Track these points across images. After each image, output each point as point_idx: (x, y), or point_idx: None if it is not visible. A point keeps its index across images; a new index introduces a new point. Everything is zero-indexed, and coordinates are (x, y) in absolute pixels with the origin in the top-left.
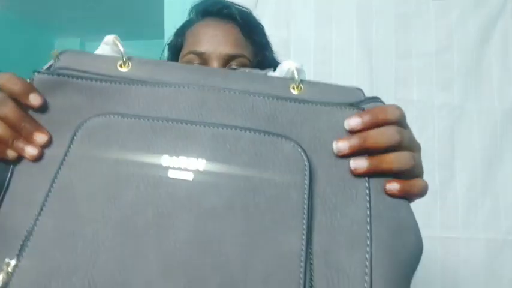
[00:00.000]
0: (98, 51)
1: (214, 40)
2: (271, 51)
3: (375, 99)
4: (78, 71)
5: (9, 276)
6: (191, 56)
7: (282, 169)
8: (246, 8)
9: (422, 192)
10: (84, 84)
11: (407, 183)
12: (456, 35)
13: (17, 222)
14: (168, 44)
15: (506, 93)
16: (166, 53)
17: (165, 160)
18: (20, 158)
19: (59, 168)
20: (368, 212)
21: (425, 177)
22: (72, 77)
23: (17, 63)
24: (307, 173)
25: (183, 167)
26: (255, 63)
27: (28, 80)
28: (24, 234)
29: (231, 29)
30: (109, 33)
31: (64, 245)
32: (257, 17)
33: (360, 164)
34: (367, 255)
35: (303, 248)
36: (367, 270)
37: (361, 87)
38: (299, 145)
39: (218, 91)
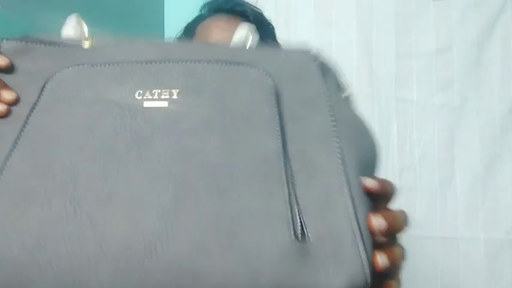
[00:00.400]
0: (65, 31)
1: (224, 33)
2: None
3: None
4: (46, 41)
5: None
6: None
7: (251, 90)
8: (257, 8)
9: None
10: (52, 49)
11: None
12: (456, 35)
13: None
14: (176, 39)
15: (506, 93)
16: None
17: (139, 94)
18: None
19: (29, 114)
20: (332, 117)
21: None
22: (40, 43)
23: None
24: (273, 91)
25: (157, 97)
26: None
27: None
28: None
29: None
30: (109, 32)
31: (40, 174)
32: (268, 18)
33: (379, 222)
34: (337, 150)
35: (281, 150)
36: (340, 161)
37: (361, 87)
38: (265, 71)
39: (181, 45)
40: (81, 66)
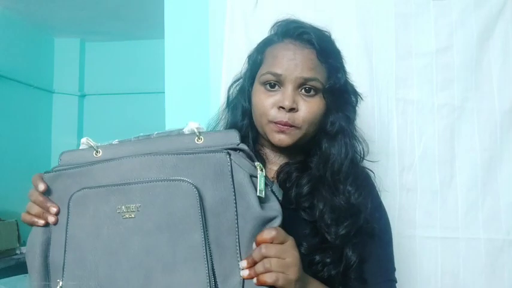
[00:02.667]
0: (82, 147)
1: (291, 63)
2: (344, 73)
3: (240, 145)
4: (69, 164)
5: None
6: (268, 75)
7: (182, 198)
8: (325, 30)
9: (270, 282)
10: (71, 172)
11: (261, 275)
12: (456, 35)
13: (57, 258)
14: (248, 57)
15: (506, 93)
16: (246, 64)
17: (118, 208)
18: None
19: (67, 225)
20: (235, 213)
21: (426, 177)
22: (64, 169)
23: (17, 63)
24: (198, 198)
25: (129, 210)
26: (328, 85)
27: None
28: (61, 265)
29: (308, 54)
30: (109, 32)
31: (80, 266)
32: (335, 42)
33: (244, 273)
34: (236, 238)
35: (203, 240)
36: (237, 246)
37: (361, 87)
38: (191, 183)
39: (143, 156)
40: (85, 190)
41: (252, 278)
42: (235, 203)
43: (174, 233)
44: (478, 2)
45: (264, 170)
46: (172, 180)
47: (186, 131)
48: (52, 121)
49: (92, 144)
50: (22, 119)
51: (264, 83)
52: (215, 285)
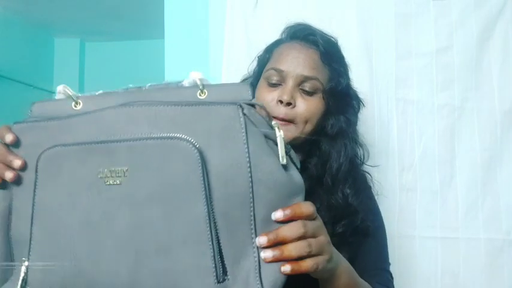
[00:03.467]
0: (58, 97)
1: (294, 61)
2: (346, 78)
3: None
4: (42, 117)
5: (26, 272)
6: (272, 71)
7: (180, 162)
8: (332, 37)
9: (310, 270)
10: (43, 125)
11: (296, 264)
12: (456, 35)
13: (22, 232)
14: (257, 56)
15: (506, 93)
16: (255, 62)
17: (99, 172)
18: (14, 181)
19: (34, 190)
20: (250, 179)
21: (426, 177)
22: (37, 121)
23: (17, 63)
24: (199, 161)
25: (113, 175)
26: (328, 87)
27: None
28: (27, 240)
29: (311, 54)
30: (109, 32)
31: (53, 243)
32: (340, 47)
33: (268, 254)
34: (251, 210)
35: (206, 214)
36: (252, 221)
37: (361, 87)
38: (191, 142)
39: (131, 107)
40: (58, 147)
41: (277, 261)
42: (250, 167)
43: (171, 205)
44: (478, 2)
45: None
46: (168, 138)
47: (186, 83)
48: None
49: (70, 93)
50: (22, 119)
51: (267, 79)
52: (223, 270)
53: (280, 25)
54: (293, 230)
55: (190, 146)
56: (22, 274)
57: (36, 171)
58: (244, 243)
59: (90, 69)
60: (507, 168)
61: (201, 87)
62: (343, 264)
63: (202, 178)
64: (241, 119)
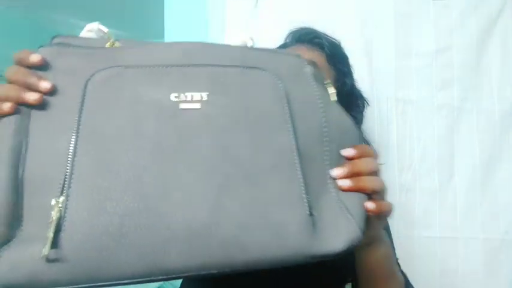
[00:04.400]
0: (86, 35)
1: None
2: (351, 79)
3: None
4: (74, 45)
5: (62, 211)
6: None
7: (264, 91)
8: (336, 39)
9: (390, 212)
10: (81, 52)
11: (380, 203)
12: (456, 35)
13: (49, 169)
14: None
15: (506, 93)
16: None
17: (174, 96)
18: (23, 109)
19: (80, 116)
20: (324, 118)
21: (425, 177)
22: (70, 46)
23: None
24: (283, 92)
25: (190, 99)
26: (335, 88)
27: None
28: (63, 177)
29: (318, 57)
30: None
31: (107, 175)
32: (344, 49)
33: (344, 183)
34: (326, 148)
35: (294, 144)
36: (328, 158)
37: (361, 87)
38: (275, 73)
39: (198, 47)
40: (117, 68)
41: (353, 190)
42: (323, 107)
43: (256, 133)
44: (478, 2)
45: None
46: (249, 67)
47: (233, 43)
48: None
49: (104, 30)
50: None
51: None
52: (309, 203)
53: (281, 25)
54: (368, 163)
55: (275, 76)
56: (55, 215)
57: (84, 95)
58: (322, 181)
59: None
60: (506, 168)
61: (249, 45)
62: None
63: (288, 108)
64: (307, 68)
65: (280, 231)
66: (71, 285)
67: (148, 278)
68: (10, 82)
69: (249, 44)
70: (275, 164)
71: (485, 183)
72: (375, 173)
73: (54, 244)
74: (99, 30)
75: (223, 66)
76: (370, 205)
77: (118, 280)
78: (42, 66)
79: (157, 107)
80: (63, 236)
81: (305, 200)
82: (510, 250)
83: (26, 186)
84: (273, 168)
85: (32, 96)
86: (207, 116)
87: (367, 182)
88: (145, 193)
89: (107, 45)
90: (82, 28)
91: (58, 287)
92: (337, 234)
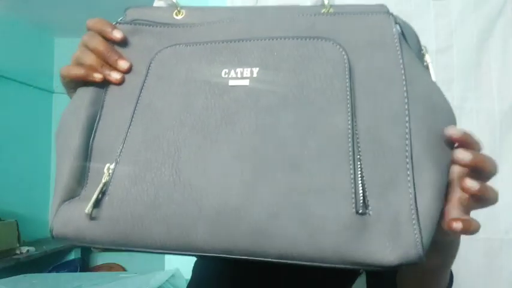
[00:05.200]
0: (155, 4)
1: None
2: None
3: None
4: (146, 20)
5: (110, 176)
6: None
7: (324, 64)
8: None
9: (475, 232)
10: (153, 30)
11: (469, 221)
12: (456, 35)
13: (112, 138)
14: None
15: (506, 93)
16: None
17: (224, 72)
18: (103, 83)
19: (140, 91)
20: (405, 94)
21: None
22: (143, 24)
23: (17, 63)
24: (346, 65)
25: (240, 76)
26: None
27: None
28: (113, 151)
29: None
30: None
31: (152, 147)
32: None
33: (465, 155)
34: (406, 130)
35: (349, 127)
36: (408, 142)
37: None
38: (338, 43)
39: (261, 15)
40: (177, 46)
41: (477, 198)
42: (405, 80)
43: (306, 113)
44: (478, 2)
45: None
46: (310, 38)
47: (309, 0)
48: (52, 121)
49: (174, 2)
50: (22, 119)
51: None
52: (363, 198)
53: None
54: (492, 162)
55: (338, 47)
56: (104, 179)
57: (148, 72)
58: (395, 173)
59: None
60: (506, 168)
61: (327, 5)
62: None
63: (348, 85)
64: (394, 30)
65: (316, 226)
66: (108, 245)
67: (179, 252)
68: (92, 51)
69: (326, 1)
70: (324, 149)
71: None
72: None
73: (97, 205)
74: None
75: (281, 38)
76: (456, 225)
77: (150, 248)
78: (121, 43)
79: (207, 84)
80: (106, 199)
81: (352, 196)
82: (511, 250)
83: (94, 152)
84: (321, 155)
85: (116, 76)
86: (254, 93)
87: (492, 193)
88: (181, 168)
89: (174, 13)
90: (82, 27)
91: (97, 245)
92: (392, 245)
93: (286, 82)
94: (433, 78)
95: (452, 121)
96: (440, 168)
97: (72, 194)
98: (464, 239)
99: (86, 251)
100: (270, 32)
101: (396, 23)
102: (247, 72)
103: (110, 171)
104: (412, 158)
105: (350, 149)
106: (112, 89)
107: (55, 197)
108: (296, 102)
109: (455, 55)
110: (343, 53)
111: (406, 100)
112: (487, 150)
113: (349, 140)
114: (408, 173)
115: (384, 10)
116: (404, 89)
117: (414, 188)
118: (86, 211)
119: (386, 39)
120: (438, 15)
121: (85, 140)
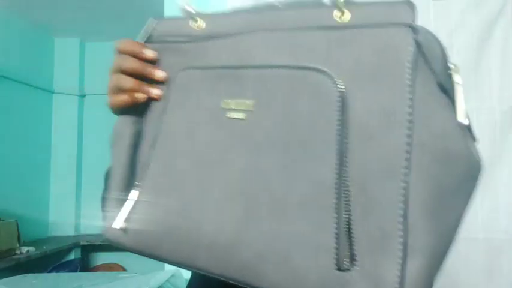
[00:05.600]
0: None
1: None
2: None
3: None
4: (170, 35)
5: (137, 198)
6: None
7: (313, 102)
8: None
9: None
10: (175, 47)
11: None
12: (456, 35)
13: (145, 156)
14: None
15: (506, 93)
16: None
17: (225, 103)
18: (145, 104)
19: (164, 114)
20: (408, 140)
21: None
22: (166, 42)
23: (17, 63)
24: (338, 104)
25: (237, 108)
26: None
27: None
28: (146, 170)
29: None
30: (109, 32)
31: (165, 173)
32: None
33: None
34: (402, 185)
35: (336, 178)
36: (402, 199)
37: None
38: (331, 76)
39: (266, 32)
40: (191, 70)
41: None
42: (411, 120)
43: (293, 157)
44: (478, 2)
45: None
46: (300, 68)
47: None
48: (52, 121)
49: (192, 11)
50: (22, 119)
51: None
52: (351, 256)
53: None
54: None
55: (329, 81)
56: (133, 199)
57: (169, 96)
58: (384, 233)
59: (90, 69)
60: (506, 167)
61: (341, 5)
62: None
63: (338, 127)
64: (411, 48)
65: (299, 275)
66: (138, 253)
67: (189, 269)
68: (128, 71)
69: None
70: (307, 199)
71: (485, 182)
72: None
73: (127, 220)
74: (185, 9)
75: (276, 67)
76: None
77: (167, 261)
78: (152, 61)
79: (209, 114)
80: (133, 216)
81: (335, 251)
82: (511, 250)
83: (139, 168)
84: (304, 204)
85: (156, 92)
86: (248, 129)
87: None
88: (185, 197)
89: (195, 26)
90: (82, 27)
91: (130, 251)
92: None
93: (277, 120)
94: (460, 109)
95: (472, 172)
96: (442, 232)
97: (122, 202)
98: (464, 239)
99: (86, 251)
100: (269, 56)
101: (416, 39)
102: (243, 104)
103: (138, 193)
104: (406, 219)
105: (334, 199)
106: (148, 107)
107: (109, 200)
108: (285, 143)
109: (455, 55)
110: (334, 88)
111: (407, 148)
112: (487, 150)
113: (335, 192)
114: (400, 233)
115: (404, 19)
116: (407, 133)
117: (405, 252)
118: (119, 225)
119: (396, 64)
120: (438, 15)
121: (133, 154)
